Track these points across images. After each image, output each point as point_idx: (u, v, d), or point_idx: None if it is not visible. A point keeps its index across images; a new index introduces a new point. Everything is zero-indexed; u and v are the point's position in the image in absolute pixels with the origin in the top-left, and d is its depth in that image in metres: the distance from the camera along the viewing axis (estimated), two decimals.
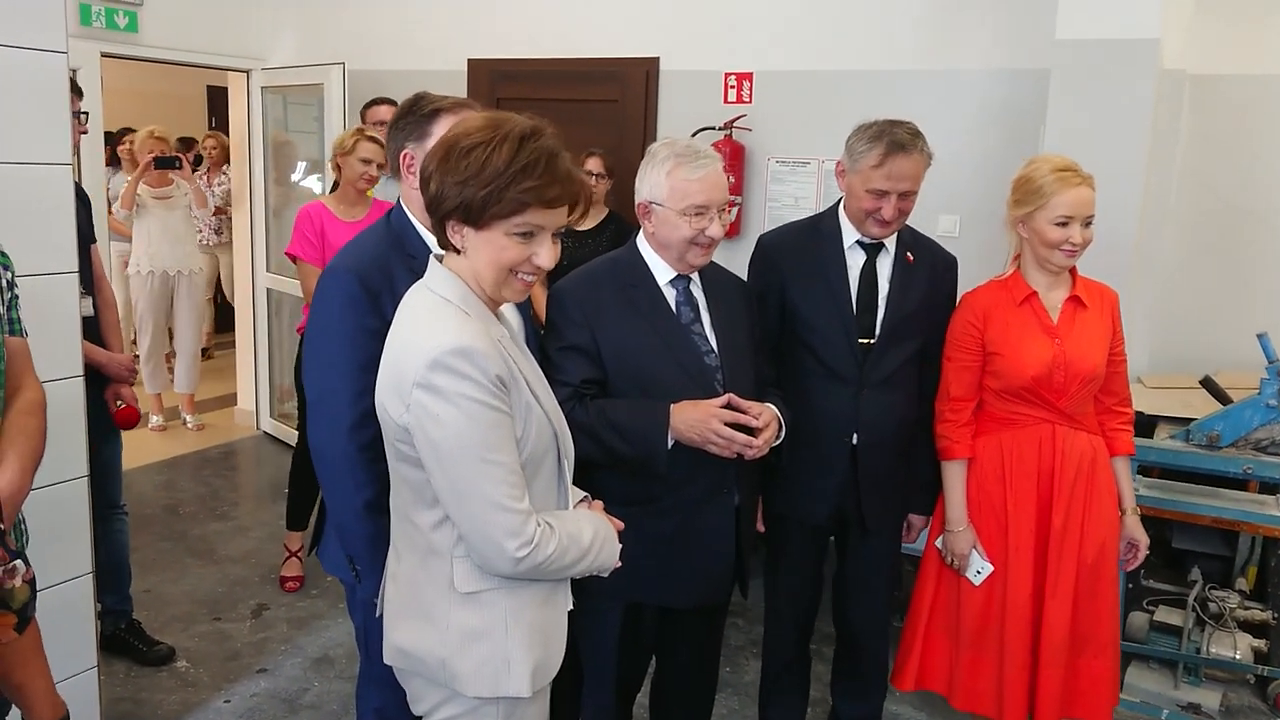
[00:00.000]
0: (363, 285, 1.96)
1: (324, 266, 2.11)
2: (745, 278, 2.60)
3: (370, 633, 2.18)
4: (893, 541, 2.75)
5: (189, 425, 6.19)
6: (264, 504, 5.07)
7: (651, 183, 2.19)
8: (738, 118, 4.69)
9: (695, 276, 2.29)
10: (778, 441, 2.23)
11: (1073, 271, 2.54)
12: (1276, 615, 3.37)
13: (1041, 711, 2.51)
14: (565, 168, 1.59)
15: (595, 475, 2.25)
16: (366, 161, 4.14)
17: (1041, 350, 2.47)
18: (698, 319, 2.26)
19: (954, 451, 2.59)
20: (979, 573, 2.55)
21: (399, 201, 2.15)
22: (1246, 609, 3.39)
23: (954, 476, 2.60)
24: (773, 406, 2.23)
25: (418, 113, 2.07)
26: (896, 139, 2.42)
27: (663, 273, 2.25)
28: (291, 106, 6.07)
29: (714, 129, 4.70)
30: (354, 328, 1.95)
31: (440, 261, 1.67)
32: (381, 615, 1.84)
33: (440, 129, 2.03)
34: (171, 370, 6.39)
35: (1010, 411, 2.54)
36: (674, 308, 2.24)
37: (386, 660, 1.77)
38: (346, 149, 4.20)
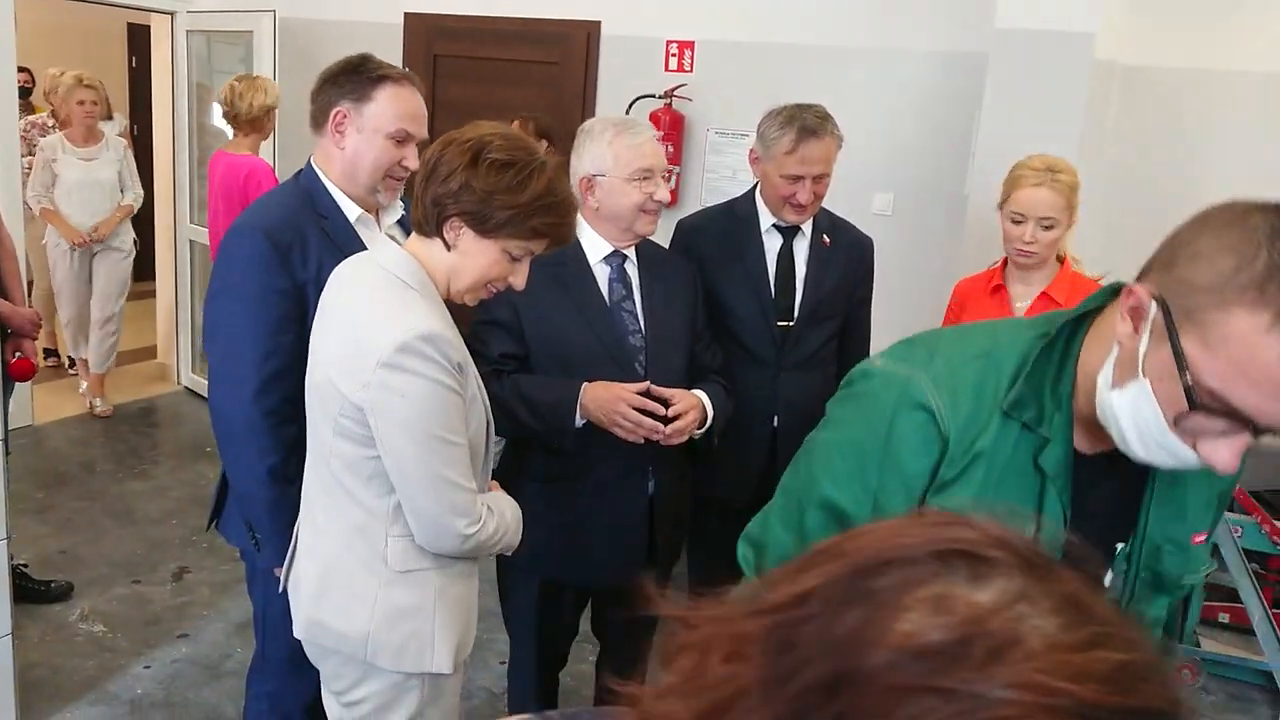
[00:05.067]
0: (272, 244, 1.92)
1: None
2: None
3: (269, 614, 2.16)
4: None
5: (97, 409, 5.42)
6: (185, 463, 4.96)
7: (593, 154, 2.18)
8: (678, 87, 4.66)
9: (632, 255, 2.27)
10: (702, 430, 2.22)
11: (1064, 266, 2.53)
12: None
13: None
14: (575, 211, 1.73)
15: (518, 449, 2.26)
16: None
17: None
18: (629, 297, 2.25)
19: None
20: None
21: (310, 161, 2.09)
22: None
23: None
24: (700, 394, 2.22)
25: (364, 74, 2.01)
26: (807, 125, 2.43)
27: (595, 250, 2.23)
28: (216, 46, 5.84)
29: (654, 97, 4.67)
30: (261, 288, 1.92)
31: (399, 242, 1.71)
32: (284, 591, 1.85)
33: (382, 96, 1.99)
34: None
35: None
36: (605, 285, 2.23)
37: (298, 634, 1.78)
38: (275, 102, 4.13)
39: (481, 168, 1.59)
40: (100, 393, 5.51)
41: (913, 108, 4.29)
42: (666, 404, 2.13)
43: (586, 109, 4.85)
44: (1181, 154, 4.09)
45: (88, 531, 4.10)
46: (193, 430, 5.40)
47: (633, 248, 2.27)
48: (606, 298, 2.23)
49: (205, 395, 5.05)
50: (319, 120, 2.05)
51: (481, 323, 2.19)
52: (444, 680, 1.74)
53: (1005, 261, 2.59)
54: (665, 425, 2.11)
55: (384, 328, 1.57)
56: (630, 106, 4.66)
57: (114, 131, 5.71)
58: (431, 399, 1.57)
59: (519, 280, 1.70)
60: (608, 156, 2.17)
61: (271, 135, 4.53)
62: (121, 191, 5.37)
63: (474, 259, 1.65)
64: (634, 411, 2.08)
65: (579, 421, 2.11)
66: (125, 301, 5.56)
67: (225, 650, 3.33)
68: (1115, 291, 1.09)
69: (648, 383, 2.14)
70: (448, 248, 1.65)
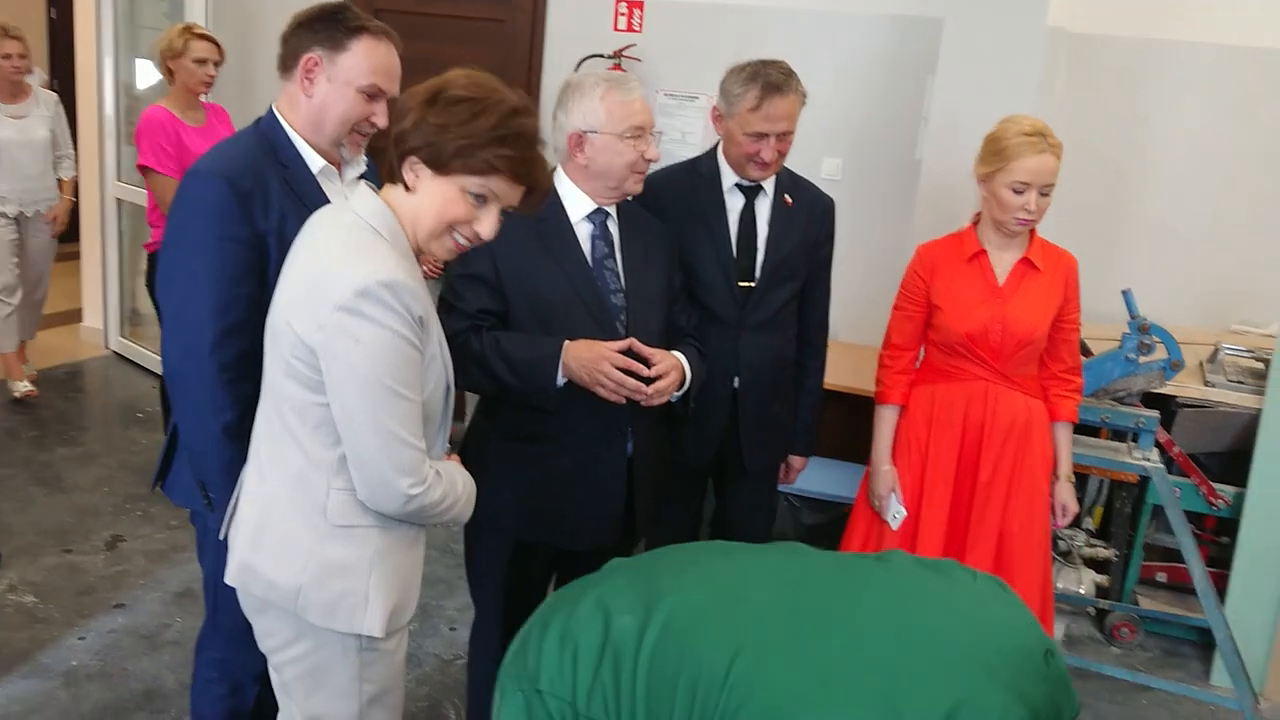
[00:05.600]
0: (233, 191, 1.84)
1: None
2: None
3: (220, 579, 2.10)
4: (769, 483, 2.80)
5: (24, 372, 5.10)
6: (115, 429, 4.79)
7: (584, 110, 2.12)
8: (627, 47, 4.59)
9: (613, 212, 2.23)
10: (681, 391, 2.20)
11: (1032, 233, 2.55)
12: (1118, 553, 3.61)
13: None
14: (540, 153, 1.66)
15: (493, 408, 2.21)
16: (201, 61, 3.88)
17: (980, 309, 2.51)
18: (611, 255, 2.21)
19: (885, 397, 2.67)
20: (895, 516, 2.61)
21: (272, 107, 2.00)
22: (1092, 546, 3.62)
23: (882, 420, 2.67)
24: (679, 355, 2.20)
25: (342, 23, 1.92)
26: (772, 80, 2.39)
27: (578, 207, 2.19)
28: None
29: (603, 56, 4.58)
30: (220, 237, 1.84)
31: (374, 190, 1.66)
32: (224, 539, 1.78)
33: (359, 48, 1.91)
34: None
35: (948, 364, 2.59)
36: (586, 243, 2.19)
37: (229, 579, 1.72)
38: (177, 50, 3.91)
39: (439, 104, 1.58)
40: (23, 359, 5.23)
41: (865, 71, 4.27)
42: (648, 364, 2.09)
43: (534, 68, 4.75)
44: (1128, 124, 4.14)
45: (14, 499, 3.94)
46: (123, 396, 5.23)
47: (614, 205, 2.22)
48: (588, 256, 2.18)
49: (135, 360, 4.84)
50: (288, 64, 1.95)
51: (460, 276, 2.13)
52: (380, 645, 1.70)
53: (974, 227, 2.57)
54: (647, 386, 2.07)
55: (347, 271, 1.54)
56: (579, 66, 4.57)
57: (38, 84, 5.39)
58: (387, 348, 1.53)
59: (485, 228, 1.63)
60: (600, 113, 2.11)
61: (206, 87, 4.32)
62: (56, 154, 5.01)
63: (431, 199, 1.61)
64: (617, 371, 2.04)
65: (560, 381, 2.06)
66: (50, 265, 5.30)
67: (164, 620, 3.23)
68: None
69: (631, 340, 2.10)
70: (408, 189, 1.62)
